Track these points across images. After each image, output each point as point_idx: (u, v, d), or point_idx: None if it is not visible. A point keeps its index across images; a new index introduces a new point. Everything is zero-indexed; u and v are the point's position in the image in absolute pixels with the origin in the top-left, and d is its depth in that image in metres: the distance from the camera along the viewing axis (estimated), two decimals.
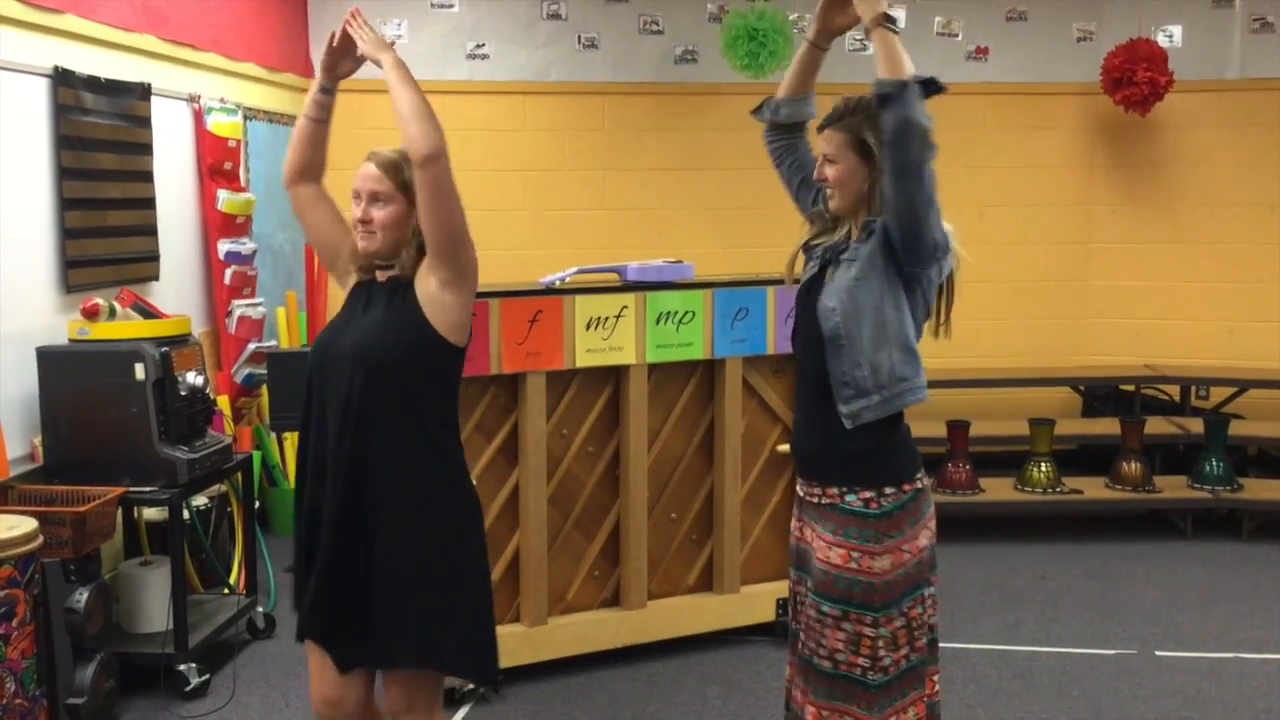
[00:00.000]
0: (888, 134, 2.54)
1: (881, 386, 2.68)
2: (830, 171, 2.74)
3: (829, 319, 2.69)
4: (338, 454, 2.70)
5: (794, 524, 2.91)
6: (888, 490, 2.71)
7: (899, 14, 2.84)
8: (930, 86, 2.55)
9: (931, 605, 2.77)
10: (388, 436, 2.69)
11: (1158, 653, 4.64)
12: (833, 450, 2.75)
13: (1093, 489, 6.24)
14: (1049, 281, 7.43)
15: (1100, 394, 7.30)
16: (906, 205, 2.57)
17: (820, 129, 2.78)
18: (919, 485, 2.75)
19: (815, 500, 2.79)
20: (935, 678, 2.81)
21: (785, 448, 4.54)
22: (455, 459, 2.82)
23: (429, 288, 2.73)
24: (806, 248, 2.89)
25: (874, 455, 2.72)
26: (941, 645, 2.85)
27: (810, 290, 2.80)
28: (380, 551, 2.70)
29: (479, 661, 2.81)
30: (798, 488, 2.89)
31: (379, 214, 2.72)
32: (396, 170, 2.72)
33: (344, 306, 2.85)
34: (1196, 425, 6.46)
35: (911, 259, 2.65)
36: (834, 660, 2.72)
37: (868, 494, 2.70)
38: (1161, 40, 7.04)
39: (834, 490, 2.74)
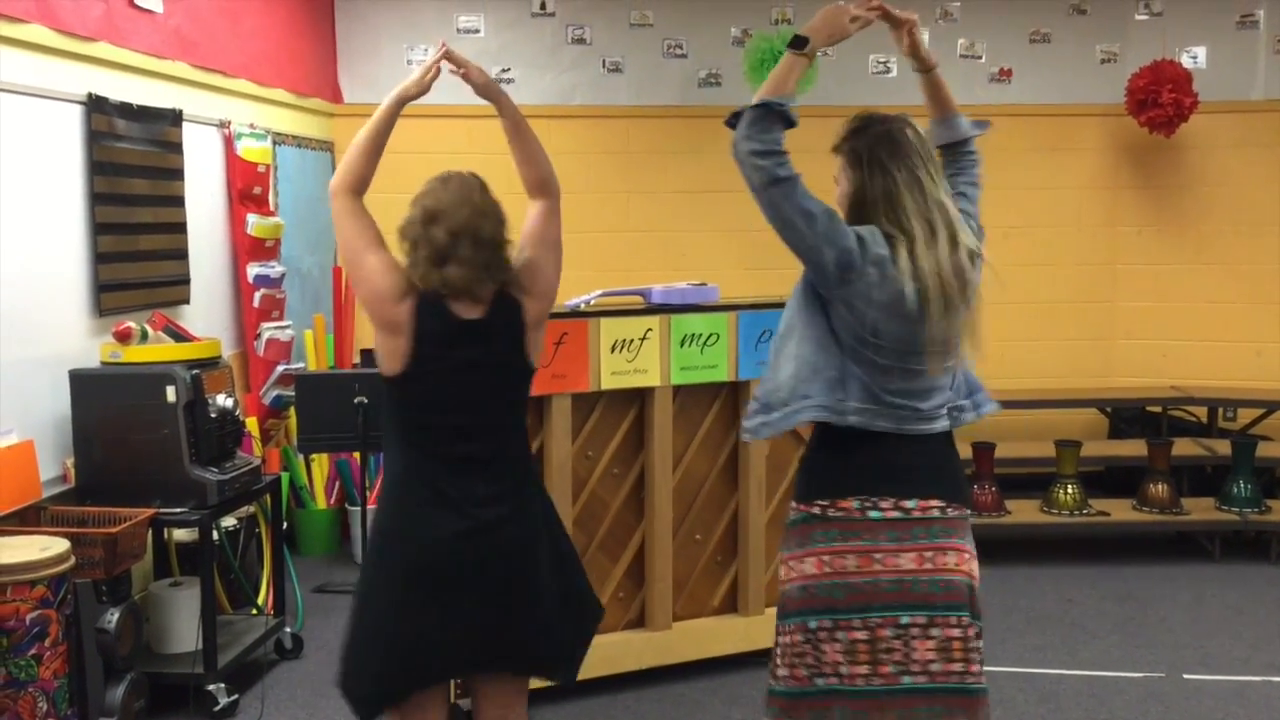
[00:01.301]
0: None
1: None
2: None
3: None
4: None
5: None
6: None
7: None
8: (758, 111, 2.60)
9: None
10: None
11: (1186, 676, 4.61)
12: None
13: (1119, 511, 6.21)
14: (1074, 303, 7.42)
15: (1127, 415, 7.27)
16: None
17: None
18: None
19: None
20: None
21: None
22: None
23: None
24: None
25: None
26: None
27: None
28: None
29: None
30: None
31: None
32: None
33: None
34: (1224, 447, 6.42)
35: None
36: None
37: None
38: (1186, 62, 7.04)
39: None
